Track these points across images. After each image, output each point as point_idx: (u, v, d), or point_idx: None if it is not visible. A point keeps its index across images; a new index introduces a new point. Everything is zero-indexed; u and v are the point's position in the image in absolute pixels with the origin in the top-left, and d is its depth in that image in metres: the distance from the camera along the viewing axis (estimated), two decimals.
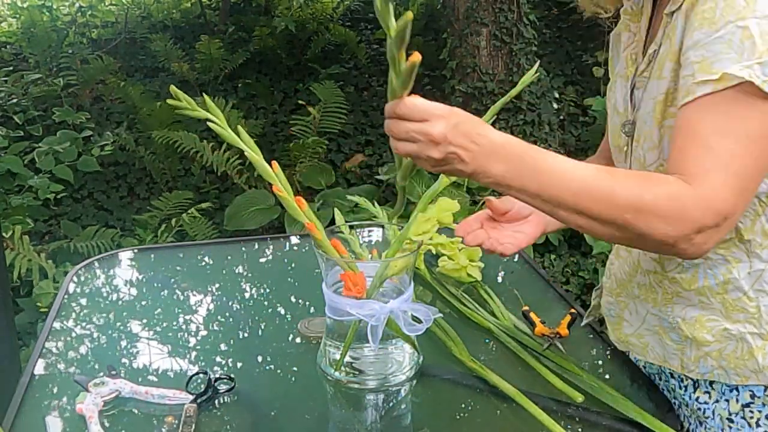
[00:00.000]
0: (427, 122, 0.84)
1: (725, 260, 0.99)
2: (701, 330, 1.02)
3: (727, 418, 1.04)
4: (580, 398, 1.14)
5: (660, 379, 1.17)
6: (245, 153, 1.11)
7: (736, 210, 0.87)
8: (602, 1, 1.12)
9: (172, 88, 1.11)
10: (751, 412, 1.02)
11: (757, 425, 1.02)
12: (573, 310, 1.38)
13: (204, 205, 3.77)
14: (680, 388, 1.12)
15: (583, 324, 1.33)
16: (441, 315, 1.20)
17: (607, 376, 1.22)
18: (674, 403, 1.15)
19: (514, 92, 1.18)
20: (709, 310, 1.01)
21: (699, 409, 1.08)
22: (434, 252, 1.63)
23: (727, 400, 1.04)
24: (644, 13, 1.07)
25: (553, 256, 3.78)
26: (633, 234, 0.87)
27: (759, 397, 1.01)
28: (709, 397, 1.06)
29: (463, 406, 1.16)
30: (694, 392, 1.09)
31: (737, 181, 0.85)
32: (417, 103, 0.85)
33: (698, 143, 0.87)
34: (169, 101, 1.11)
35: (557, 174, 0.86)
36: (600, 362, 1.28)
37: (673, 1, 0.96)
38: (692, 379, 1.09)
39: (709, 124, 0.87)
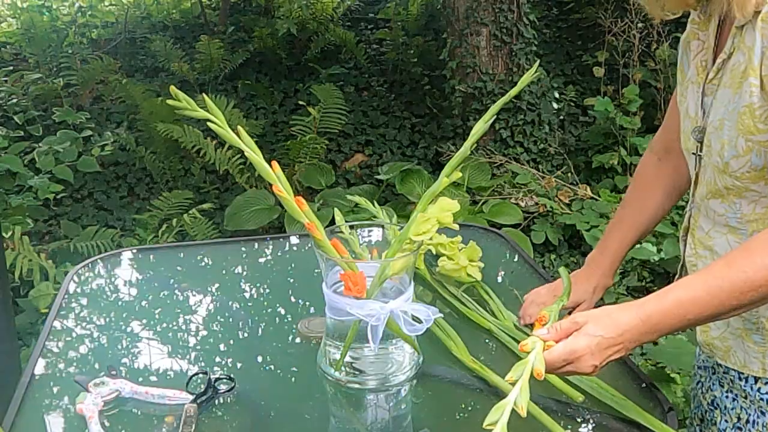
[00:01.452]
0: (573, 364, 0.94)
1: None
2: None
3: None
4: (580, 398, 1.14)
5: (714, 373, 1.19)
6: (245, 153, 1.11)
7: None
8: (669, 6, 1.12)
9: (172, 88, 1.11)
10: None
11: None
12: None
13: (205, 206, 3.77)
14: (740, 379, 1.13)
15: None
16: (441, 315, 1.20)
17: (607, 377, 1.22)
18: (729, 395, 1.16)
19: (513, 92, 1.18)
20: None
21: (761, 399, 1.09)
22: (434, 252, 1.62)
23: None
24: (712, 22, 1.09)
25: (553, 256, 3.78)
26: None
27: None
28: None
29: (463, 406, 1.16)
30: (756, 383, 1.10)
31: None
32: (554, 359, 0.93)
33: None
34: (169, 101, 1.11)
35: (696, 309, 0.93)
36: None
37: (742, 15, 0.97)
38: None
39: None
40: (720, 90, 1.04)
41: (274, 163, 1.09)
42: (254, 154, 1.11)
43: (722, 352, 1.13)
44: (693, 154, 1.13)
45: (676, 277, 1.28)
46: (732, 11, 0.97)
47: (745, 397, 1.12)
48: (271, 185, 1.12)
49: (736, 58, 1.01)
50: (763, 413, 1.10)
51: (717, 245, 1.09)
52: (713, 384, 1.19)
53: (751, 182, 1.02)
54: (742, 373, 1.12)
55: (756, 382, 1.10)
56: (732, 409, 1.14)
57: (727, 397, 1.15)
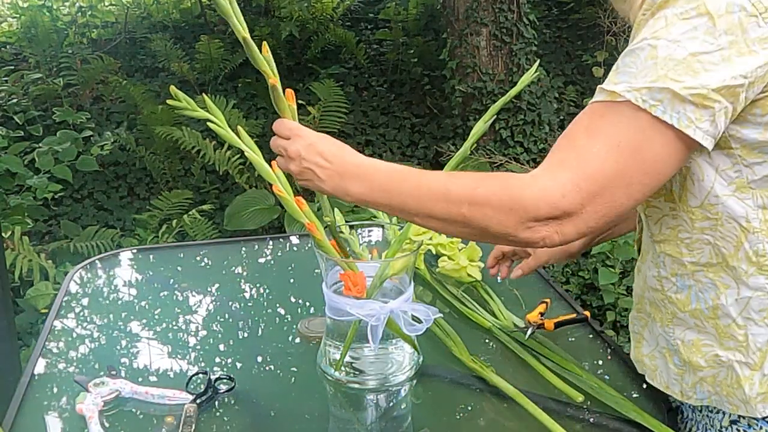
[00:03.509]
0: (289, 140, 1.01)
1: (714, 285, 0.96)
2: (696, 354, 0.99)
3: (718, 430, 1.04)
4: (580, 398, 1.14)
5: None
6: (245, 153, 1.11)
7: (584, 212, 0.86)
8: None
9: (172, 88, 1.11)
10: (737, 430, 1.01)
11: None
12: (547, 300, 1.40)
13: (205, 207, 3.77)
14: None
15: None
16: (441, 315, 1.20)
17: (607, 376, 1.22)
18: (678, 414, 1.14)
19: (513, 92, 1.19)
20: (704, 335, 0.99)
21: (700, 417, 1.07)
22: (434, 252, 1.63)
23: (719, 411, 1.04)
24: None
25: None
26: (477, 228, 0.90)
27: (744, 418, 1.00)
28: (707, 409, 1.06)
29: (463, 406, 1.16)
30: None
31: (589, 184, 0.85)
32: (285, 122, 1.04)
33: (567, 138, 0.89)
34: (169, 101, 1.11)
35: (405, 186, 0.94)
36: (600, 362, 1.29)
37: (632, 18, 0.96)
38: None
39: (586, 123, 0.88)
40: None
41: (274, 163, 1.09)
42: (254, 154, 1.11)
43: (650, 371, 1.09)
44: None
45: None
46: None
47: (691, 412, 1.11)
48: (271, 185, 1.12)
49: None
50: (706, 430, 1.07)
51: (644, 262, 1.06)
52: None
53: (651, 197, 0.98)
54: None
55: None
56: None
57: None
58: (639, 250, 1.16)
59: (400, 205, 0.94)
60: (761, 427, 0.99)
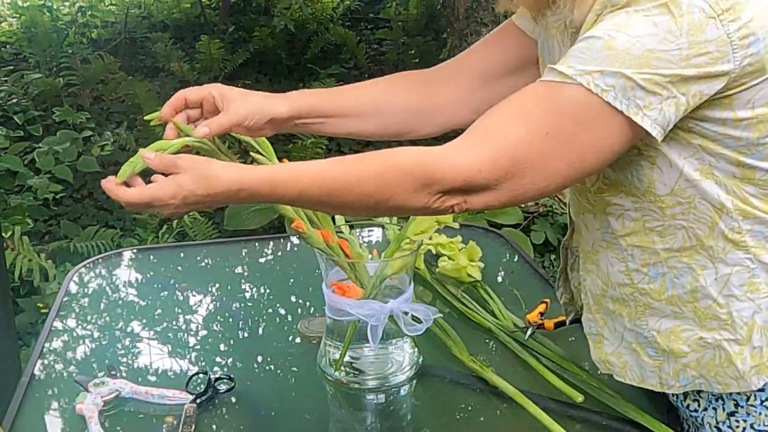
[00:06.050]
0: (156, 208, 0.89)
1: (690, 268, 0.96)
2: (677, 341, 0.99)
3: (716, 427, 1.03)
4: (580, 398, 1.14)
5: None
6: (251, 154, 1.10)
7: (498, 188, 0.86)
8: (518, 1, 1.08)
9: (176, 121, 1.07)
10: (737, 421, 1.00)
11: None
12: (547, 300, 1.38)
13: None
14: (672, 396, 1.10)
15: (567, 324, 1.31)
16: (441, 315, 1.20)
17: (607, 377, 1.22)
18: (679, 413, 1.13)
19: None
20: (682, 320, 0.98)
21: (692, 416, 1.07)
22: (434, 252, 1.62)
23: (714, 409, 1.03)
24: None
25: (553, 256, 3.78)
26: (392, 208, 0.89)
27: (743, 407, 1.00)
28: (698, 405, 1.05)
29: (463, 406, 1.16)
30: (685, 400, 1.07)
31: (510, 164, 0.84)
32: (136, 201, 0.89)
33: (500, 114, 0.88)
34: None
35: (303, 183, 0.88)
36: None
37: (580, 15, 0.92)
38: None
39: (523, 101, 0.88)
40: None
41: (285, 161, 1.07)
42: (259, 156, 1.09)
43: (619, 368, 1.07)
44: None
45: (557, 284, 1.25)
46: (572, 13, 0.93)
47: (682, 412, 1.10)
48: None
49: None
50: (696, 429, 1.07)
51: (601, 260, 1.05)
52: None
53: (610, 195, 0.98)
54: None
55: (685, 398, 1.07)
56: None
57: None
58: (568, 254, 1.16)
59: (309, 201, 0.91)
60: (760, 413, 0.99)
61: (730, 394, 1.00)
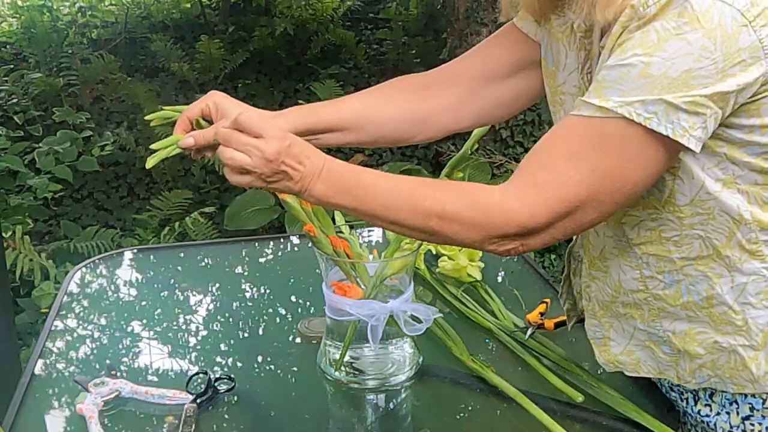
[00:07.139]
0: (263, 139, 0.89)
1: (706, 276, 0.96)
2: (692, 343, 0.99)
3: (729, 431, 1.03)
4: (580, 398, 1.14)
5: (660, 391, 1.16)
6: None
7: (552, 228, 0.88)
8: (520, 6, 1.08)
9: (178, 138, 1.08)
10: (752, 425, 1.00)
11: None
12: (547, 300, 1.39)
13: (207, 209, 3.77)
14: (681, 400, 1.10)
15: (569, 328, 1.31)
16: (441, 315, 1.20)
17: (607, 377, 1.22)
18: (679, 413, 1.13)
19: None
20: (697, 323, 0.99)
21: (702, 421, 1.07)
22: (434, 252, 1.63)
23: (728, 413, 1.02)
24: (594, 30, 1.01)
25: (553, 256, 3.78)
26: (442, 239, 0.92)
27: (758, 410, 1.00)
28: (710, 410, 1.05)
29: (463, 406, 1.16)
30: (695, 405, 1.07)
31: (562, 207, 0.86)
32: (255, 118, 0.91)
33: (544, 156, 0.89)
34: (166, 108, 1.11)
35: (371, 190, 0.91)
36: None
37: (603, 18, 0.90)
38: (692, 392, 1.07)
39: (565, 142, 0.88)
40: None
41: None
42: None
43: (632, 365, 1.08)
44: None
45: (560, 291, 1.25)
46: (593, 15, 0.90)
47: (691, 417, 1.10)
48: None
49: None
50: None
51: (611, 267, 1.04)
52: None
53: (628, 205, 0.97)
54: (682, 395, 1.09)
55: (696, 403, 1.07)
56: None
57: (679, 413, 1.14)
58: (572, 259, 1.17)
59: (366, 210, 0.92)
60: None
61: (745, 397, 1.00)
